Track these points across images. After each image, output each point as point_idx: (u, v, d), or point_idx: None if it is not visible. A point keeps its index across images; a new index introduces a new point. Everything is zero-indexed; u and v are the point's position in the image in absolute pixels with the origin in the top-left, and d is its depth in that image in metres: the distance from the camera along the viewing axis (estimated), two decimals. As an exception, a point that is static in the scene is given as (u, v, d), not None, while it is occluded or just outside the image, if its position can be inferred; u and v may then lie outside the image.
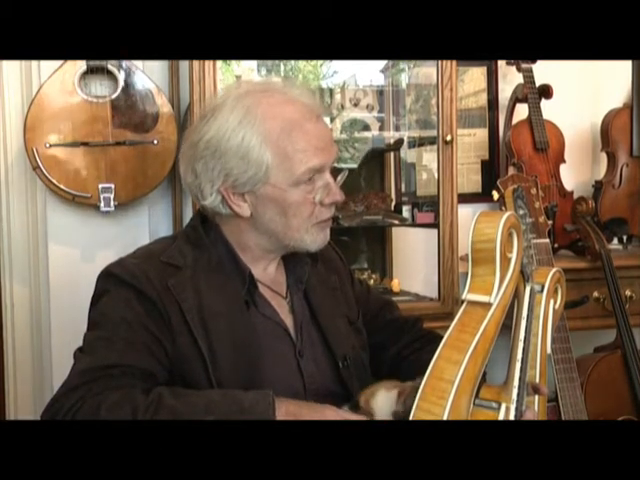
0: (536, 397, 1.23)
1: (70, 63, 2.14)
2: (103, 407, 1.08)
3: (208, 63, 2.05)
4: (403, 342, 1.46)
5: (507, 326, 1.12)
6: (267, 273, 1.34)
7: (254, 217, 1.27)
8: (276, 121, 1.23)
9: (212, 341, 1.21)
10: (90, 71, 2.15)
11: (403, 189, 2.72)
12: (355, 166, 2.63)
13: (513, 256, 1.10)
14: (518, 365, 1.12)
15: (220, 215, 1.30)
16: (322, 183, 1.26)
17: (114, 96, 2.16)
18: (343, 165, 2.59)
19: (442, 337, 1.07)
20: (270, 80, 2.33)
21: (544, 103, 2.57)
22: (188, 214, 2.33)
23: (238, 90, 1.28)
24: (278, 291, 1.35)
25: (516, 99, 2.62)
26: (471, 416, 1.06)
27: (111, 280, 1.24)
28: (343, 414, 1.12)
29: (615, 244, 2.55)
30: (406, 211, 2.50)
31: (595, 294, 2.36)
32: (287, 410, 1.09)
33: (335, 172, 1.32)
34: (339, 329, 1.37)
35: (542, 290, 1.22)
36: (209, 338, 1.21)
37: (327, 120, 2.49)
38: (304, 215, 1.26)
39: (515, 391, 1.10)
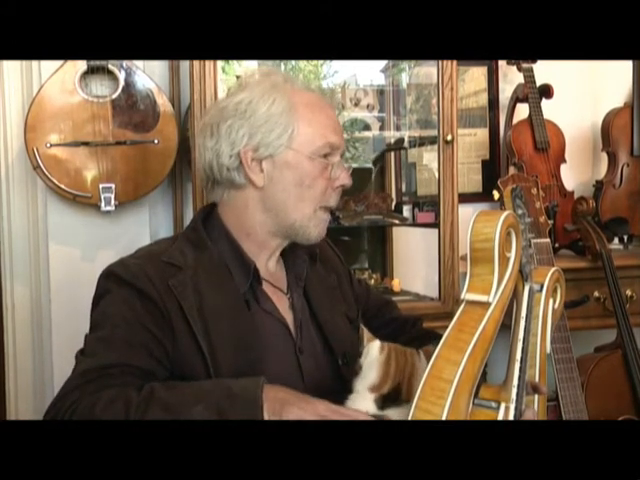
0: (536, 396, 1.23)
1: (70, 63, 2.14)
2: (98, 405, 1.08)
3: (209, 63, 2.04)
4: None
5: (506, 325, 1.12)
6: (268, 268, 1.35)
7: (265, 190, 1.29)
8: (300, 99, 1.30)
9: (213, 340, 1.21)
10: (90, 71, 2.15)
11: (404, 189, 2.72)
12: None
13: (512, 255, 1.10)
14: (517, 365, 1.11)
15: (228, 192, 1.31)
16: (335, 164, 1.31)
17: (114, 96, 2.16)
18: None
19: (442, 336, 1.07)
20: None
21: (545, 103, 2.57)
22: (189, 214, 2.34)
23: (260, 74, 1.35)
24: (279, 287, 1.35)
25: (517, 99, 2.62)
26: (470, 416, 1.05)
27: (112, 280, 1.24)
28: (336, 409, 1.09)
29: (615, 244, 2.55)
30: (406, 211, 2.50)
31: (595, 294, 2.36)
32: (275, 396, 1.08)
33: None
34: (339, 327, 1.37)
35: (541, 289, 1.22)
36: (210, 337, 1.21)
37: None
38: (317, 190, 1.29)
39: (514, 390, 1.10)
